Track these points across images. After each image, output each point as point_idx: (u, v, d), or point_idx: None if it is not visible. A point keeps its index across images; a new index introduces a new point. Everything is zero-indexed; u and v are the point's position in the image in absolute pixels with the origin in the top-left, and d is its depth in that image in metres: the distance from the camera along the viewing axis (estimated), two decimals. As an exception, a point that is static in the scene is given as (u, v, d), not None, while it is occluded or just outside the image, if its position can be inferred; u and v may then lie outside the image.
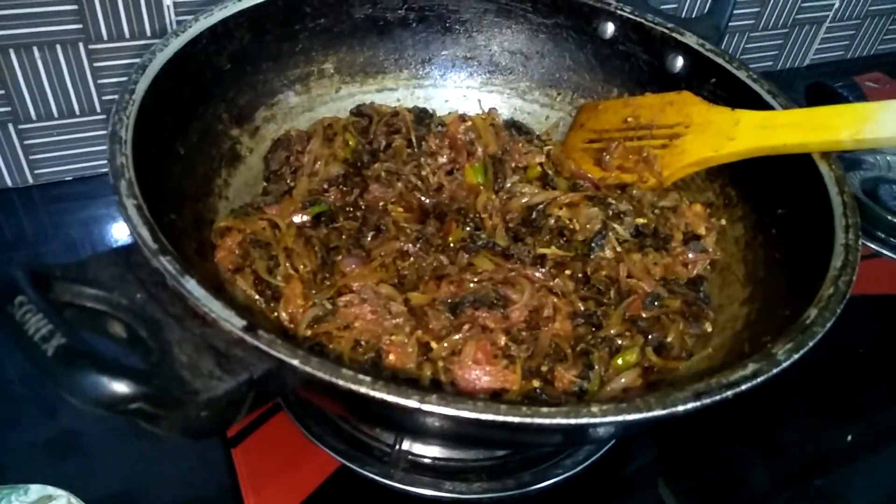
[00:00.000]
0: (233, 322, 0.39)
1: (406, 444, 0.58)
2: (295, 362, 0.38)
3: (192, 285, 0.40)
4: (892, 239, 0.88)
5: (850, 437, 0.68)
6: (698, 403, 0.39)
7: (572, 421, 0.37)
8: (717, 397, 0.39)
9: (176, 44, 0.58)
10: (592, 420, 0.37)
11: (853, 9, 1.26)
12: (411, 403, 0.37)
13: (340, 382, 0.37)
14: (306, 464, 0.60)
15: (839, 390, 0.72)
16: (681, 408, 0.39)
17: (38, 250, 0.79)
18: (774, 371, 0.41)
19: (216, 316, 0.39)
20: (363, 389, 0.37)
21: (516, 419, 0.36)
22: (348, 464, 0.59)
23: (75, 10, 0.74)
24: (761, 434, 0.67)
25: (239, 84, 0.67)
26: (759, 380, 0.40)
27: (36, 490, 0.54)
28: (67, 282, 0.39)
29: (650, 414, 0.38)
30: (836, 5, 1.23)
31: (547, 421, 0.37)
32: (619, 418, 0.37)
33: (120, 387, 0.33)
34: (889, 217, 0.89)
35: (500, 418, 0.36)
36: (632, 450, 0.64)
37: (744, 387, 0.40)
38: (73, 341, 0.33)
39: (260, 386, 0.39)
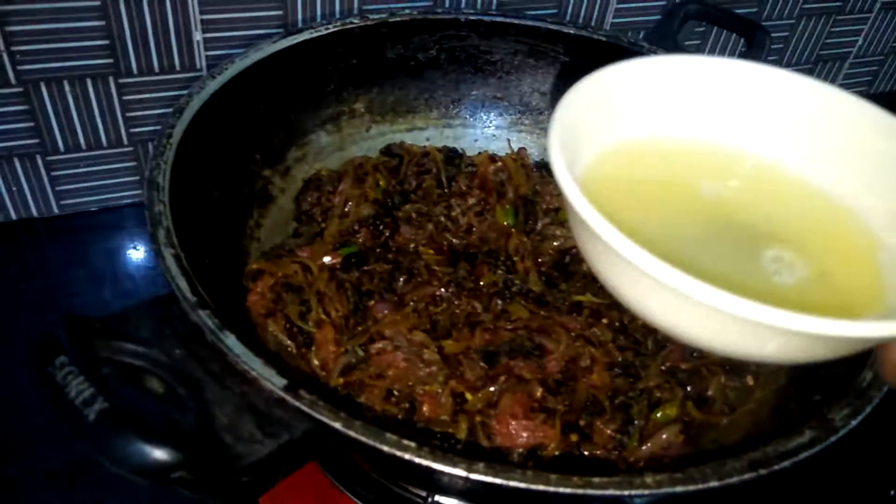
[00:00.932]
0: (274, 381, 0.38)
1: (438, 496, 0.56)
2: (337, 426, 0.37)
3: (231, 341, 0.39)
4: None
5: (892, 492, 0.66)
6: (755, 474, 0.37)
7: (625, 492, 0.36)
8: (775, 467, 0.38)
9: (212, 86, 0.58)
10: (646, 492, 0.36)
11: (877, 45, 1.25)
12: (459, 472, 0.35)
13: (385, 448, 0.36)
14: (334, 513, 0.58)
15: (879, 441, 0.70)
16: (736, 478, 0.37)
17: (61, 279, 0.79)
18: (833, 439, 0.39)
19: (257, 374, 0.38)
20: (408, 456, 0.36)
21: (568, 490, 0.35)
22: (378, 514, 0.57)
23: (107, 45, 0.75)
24: (801, 487, 0.65)
25: (271, 125, 0.67)
26: (816, 448, 0.39)
27: None
28: (106, 337, 0.38)
29: (705, 485, 0.36)
30: (860, 42, 1.23)
31: (599, 492, 0.35)
32: (674, 490, 0.36)
33: (163, 455, 0.32)
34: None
35: (552, 489, 0.35)
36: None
37: (801, 456, 0.38)
38: (115, 406, 0.32)
39: (300, 448, 0.38)
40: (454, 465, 0.35)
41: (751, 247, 0.36)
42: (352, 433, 0.36)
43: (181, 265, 0.43)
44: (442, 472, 0.36)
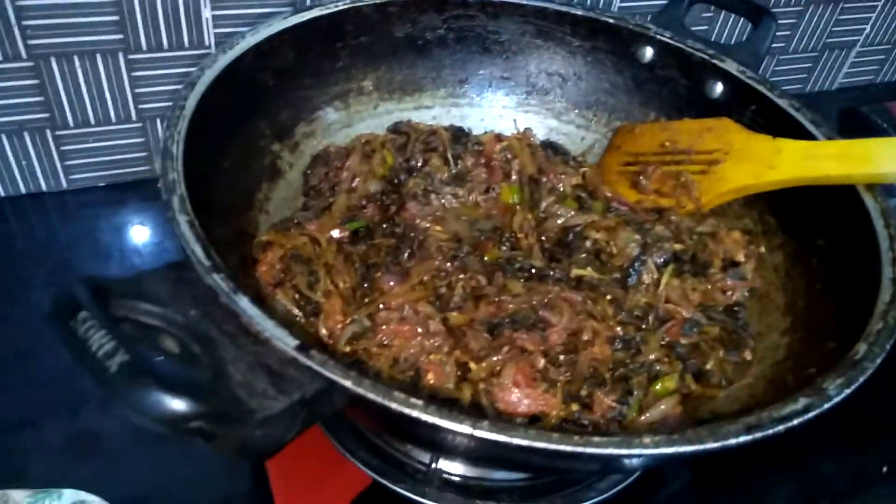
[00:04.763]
0: (286, 341, 0.39)
1: (440, 462, 0.58)
2: (348, 384, 0.38)
3: (245, 303, 0.41)
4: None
5: (885, 468, 0.67)
6: (750, 437, 0.39)
7: (624, 451, 0.37)
8: (770, 431, 0.39)
9: (224, 60, 0.58)
10: (645, 451, 0.37)
11: (884, 34, 1.25)
12: (464, 429, 0.37)
13: (393, 405, 0.37)
14: (338, 478, 0.60)
15: (872, 418, 0.71)
16: (732, 441, 0.38)
17: (69, 254, 0.80)
18: (826, 406, 0.41)
19: (269, 335, 0.39)
20: (415, 413, 0.37)
21: (569, 448, 0.36)
22: (381, 479, 0.59)
23: (116, 20, 0.75)
24: (796, 463, 0.67)
25: (281, 100, 0.68)
26: (810, 415, 0.40)
27: (69, 495, 0.54)
28: (123, 297, 0.40)
29: (702, 447, 0.38)
30: (867, 30, 1.23)
31: (599, 451, 0.37)
32: (672, 450, 0.37)
33: (181, 405, 0.33)
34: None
35: (553, 447, 0.36)
36: (666, 474, 0.64)
37: (795, 421, 0.40)
38: (135, 358, 0.34)
39: (312, 405, 0.39)
40: (460, 421, 0.37)
41: None
42: (361, 391, 0.38)
43: (195, 231, 0.44)
44: (447, 430, 0.37)
